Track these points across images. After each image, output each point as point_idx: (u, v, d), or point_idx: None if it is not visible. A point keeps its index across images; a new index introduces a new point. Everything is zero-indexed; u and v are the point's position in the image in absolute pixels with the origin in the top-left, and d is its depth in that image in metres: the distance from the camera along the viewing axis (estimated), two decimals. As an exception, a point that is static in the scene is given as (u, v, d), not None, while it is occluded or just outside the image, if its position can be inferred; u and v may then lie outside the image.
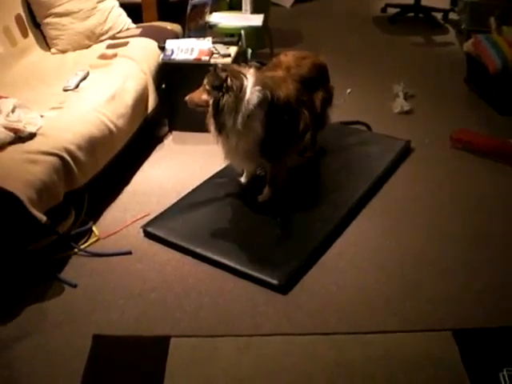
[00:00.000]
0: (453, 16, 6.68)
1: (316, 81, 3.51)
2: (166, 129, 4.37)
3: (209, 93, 3.09)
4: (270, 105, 3.13)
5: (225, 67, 3.11)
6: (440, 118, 4.55)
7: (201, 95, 3.15)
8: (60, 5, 4.27)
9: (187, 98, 3.20)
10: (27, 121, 3.12)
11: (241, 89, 3.04)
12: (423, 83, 5.08)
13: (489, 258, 3.11)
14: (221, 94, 3.02)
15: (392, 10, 6.94)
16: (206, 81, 3.12)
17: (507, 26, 5.01)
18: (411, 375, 2.47)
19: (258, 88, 3.09)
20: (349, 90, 4.89)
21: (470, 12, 5.65)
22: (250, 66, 3.24)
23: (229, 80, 3.01)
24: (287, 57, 3.50)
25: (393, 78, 5.05)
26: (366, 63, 5.58)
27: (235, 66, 3.20)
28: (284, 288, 2.88)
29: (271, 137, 3.19)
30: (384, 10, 7.08)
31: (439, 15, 6.82)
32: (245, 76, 3.09)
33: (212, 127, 3.17)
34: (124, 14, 4.69)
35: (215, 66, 3.09)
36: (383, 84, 5.03)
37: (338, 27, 6.59)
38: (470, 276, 2.98)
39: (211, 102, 3.08)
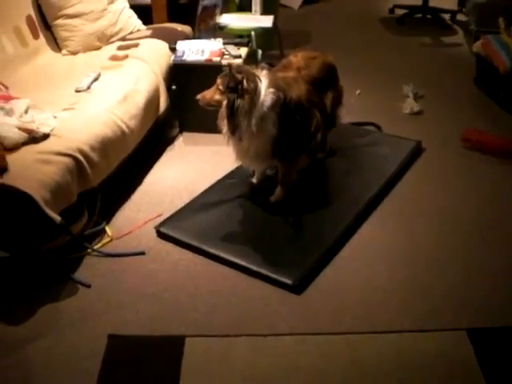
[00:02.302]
0: (461, 17, 6.68)
1: (326, 81, 3.52)
2: (177, 130, 4.38)
3: (222, 93, 3.10)
4: (282, 106, 3.14)
5: (240, 69, 3.11)
6: (450, 118, 4.54)
7: (213, 95, 3.15)
8: (70, 6, 4.29)
9: (199, 96, 3.21)
10: (40, 121, 3.12)
11: (255, 91, 3.05)
12: (432, 84, 5.08)
13: (502, 256, 3.10)
14: (236, 95, 3.03)
15: (400, 11, 6.94)
16: (219, 81, 3.12)
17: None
18: (425, 374, 2.46)
19: (271, 90, 3.11)
20: (358, 91, 4.90)
21: (479, 13, 5.64)
22: (263, 68, 3.25)
23: (244, 82, 3.02)
24: (297, 57, 3.51)
25: (402, 79, 5.05)
26: (375, 64, 5.59)
27: (249, 68, 3.20)
28: (298, 288, 2.88)
29: (283, 137, 3.20)
30: (392, 10, 7.09)
31: (447, 16, 6.82)
32: (259, 78, 3.09)
33: (224, 128, 3.18)
34: (134, 15, 4.71)
35: (230, 66, 3.09)
36: (392, 85, 5.03)
37: (346, 28, 6.60)
38: (483, 275, 2.98)
39: (225, 103, 3.08)
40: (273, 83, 3.14)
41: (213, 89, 3.16)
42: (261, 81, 3.10)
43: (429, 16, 6.87)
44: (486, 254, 3.13)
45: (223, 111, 3.13)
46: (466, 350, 2.55)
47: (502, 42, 4.68)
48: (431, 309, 2.78)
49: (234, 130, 3.11)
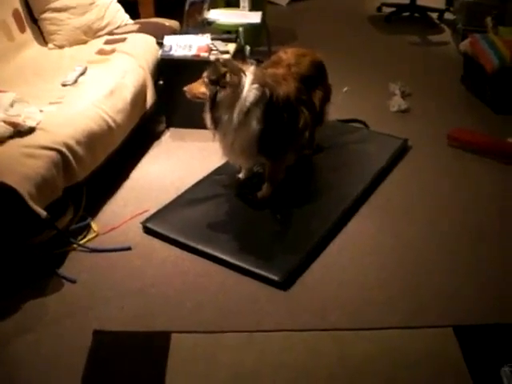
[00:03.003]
0: (448, 16, 6.69)
1: (315, 78, 3.52)
2: (164, 125, 4.36)
3: (207, 86, 3.09)
4: (268, 103, 3.13)
5: (226, 62, 3.11)
6: (437, 116, 4.56)
7: (200, 87, 3.15)
8: (57, 0, 4.24)
9: (186, 88, 3.21)
10: (26, 115, 3.10)
11: (238, 85, 3.04)
12: (420, 82, 5.09)
13: (488, 254, 3.12)
14: (218, 88, 3.03)
15: (388, 9, 6.94)
16: (205, 74, 3.12)
17: (503, 26, 5.02)
18: (412, 371, 2.47)
19: (255, 86, 3.10)
20: (346, 88, 4.90)
21: (467, 12, 5.65)
22: (252, 64, 3.24)
23: (227, 75, 3.01)
24: (287, 54, 3.50)
25: (389, 77, 5.05)
26: (363, 62, 5.59)
27: (236, 63, 3.19)
28: (285, 284, 2.88)
29: (270, 135, 3.19)
30: (380, 9, 7.09)
31: (435, 15, 6.83)
32: (244, 73, 3.09)
33: (208, 121, 3.18)
34: (122, 9, 4.68)
35: (217, 60, 3.08)
36: (380, 82, 5.02)
37: (334, 26, 6.59)
38: (470, 273, 2.99)
39: (208, 95, 3.08)
40: (258, 79, 3.13)
41: (200, 81, 3.16)
42: (246, 76, 3.09)
43: (416, 14, 6.88)
44: (472, 251, 3.15)
45: (207, 104, 3.13)
46: (453, 346, 2.56)
47: (490, 41, 4.69)
48: (418, 306, 2.79)
49: (215, 123, 3.11)
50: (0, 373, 2.45)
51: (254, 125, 3.13)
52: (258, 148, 3.23)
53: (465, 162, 3.96)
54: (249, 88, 3.08)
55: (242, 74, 3.08)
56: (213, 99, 3.06)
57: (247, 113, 3.10)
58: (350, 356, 2.54)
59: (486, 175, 3.81)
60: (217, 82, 3.04)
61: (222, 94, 3.04)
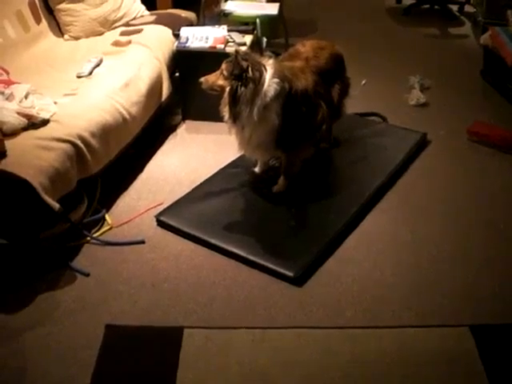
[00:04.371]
0: (468, 8, 6.60)
1: (334, 72, 3.47)
2: (179, 118, 4.33)
3: (225, 79, 3.06)
4: (287, 97, 3.10)
5: (246, 56, 3.05)
6: (456, 110, 4.49)
7: (217, 79, 3.11)
8: (74, -9, 4.23)
9: (203, 79, 3.17)
10: (40, 107, 3.09)
11: (260, 80, 3.00)
12: (439, 75, 5.01)
13: (507, 252, 3.06)
14: (239, 83, 2.98)
15: (407, 1, 6.86)
16: (224, 66, 3.08)
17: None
18: (427, 370, 2.43)
19: (275, 80, 3.06)
20: (364, 81, 4.84)
21: (487, 4, 5.58)
22: (270, 57, 3.21)
23: (249, 70, 2.97)
24: (305, 47, 3.45)
25: (408, 70, 4.98)
26: (381, 54, 5.52)
27: (255, 56, 3.15)
28: (299, 280, 2.85)
29: (287, 129, 3.16)
30: (399, 1, 7.00)
31: (455, 7, 6.74)
32: (264, 67, 3.05)
33: (226, 115, 3.14)
34: (138, 0, 4.66)
35: (236, 52, 3.03)
36: (398, 75, 4.96)
37: (352, 17, 6.51)
38: (487, 270, 2.94)
39: (228, 90, 3.04)
40: (278, 73, 3.09)
41: (217, 73, 3.12)
42: (266, 70, 3.05)
43: (436, 7, 6.79)
44: (490, 249, 3.09)
45: (226, 98, 3.09)
46: (469, 346, 2.52)
47: (511, 35, 4.61)
48: (434, 304, 2.74)
49: (235, 117, 3.07)
50: (11, 365, 2.45)
51: (273, 119, 3.10)
52: (276, 142, 3.20)
53: (484, 157, 3.89)
54: (269, 82, 3.05)
55: (263, 69, 3.04)
56: (233, 94, 3.02)
57: (266, 107, 3.06)
58: (364, 354, 2.50)
59: (506, 171, 3.75)
60: (239, 77, 2.99)
61: (242, 89, 3.00)
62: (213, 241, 3.06)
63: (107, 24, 4.38)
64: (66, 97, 3.34)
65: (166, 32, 4.29)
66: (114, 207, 3.38)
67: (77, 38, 4.26)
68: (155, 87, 3.86)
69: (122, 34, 4.25)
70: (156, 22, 4.42)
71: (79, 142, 3.03)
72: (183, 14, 4.67)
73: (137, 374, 2.43)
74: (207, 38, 4.10)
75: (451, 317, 2.67)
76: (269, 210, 3.32)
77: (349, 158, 3.79)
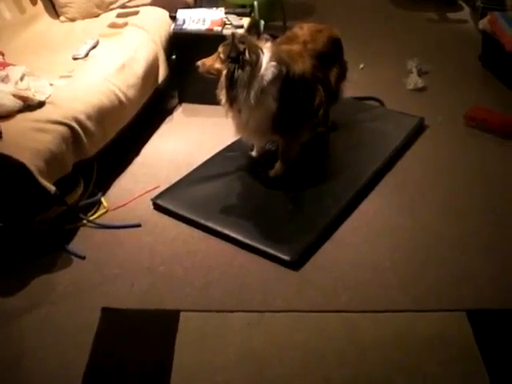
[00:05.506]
0: (467, -7, 6.57)
1: (331, 56, 3.45)
2: (176, 101, 4.31)
3: (222, 62, 3.03)
4: (284, 81, 3.07)
5: (243, 39, 3.03)
6: (454, 95, 4.46)
7: (213, 63, 3.10)
8: (69, -28, 4.19)
9: (199, 62, 3.15)
10: (36, 89, 3.07)
11: (257, 63, 2.98)
12: (437, 60, 4.99)
13: (505, 238, 3.06)
14: (236, 66, 2.96)
15: (406, -15, 6.82)
16: (221, 49, 3.06)
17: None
18: (424, 355, 2.43)
19: (273, 63, 3.03)
20: (362, 65, 4.82)
21: (486, -11, 5.55)
22: (267, 40, 3.17)
23: (246, 53, 2.94)
24: (303, 30, 3.42)
25: (406, 54, 4.95)
26: (379, 38, 5.48)
27: (253, 39, 3.13)
28: (296, 264, 2.84)
29: (285, 113, 3.14)
30: (398, -16, 6.96)
31: (453, -9, 6.70)
32: (261, 50, 3.02)
33: (223, 99, 3.12)
34: (135, -18, 4.61)
35: (233, 35, 3.01)
36: (396, 59, 4.93)
37: (350, 1, 6.47)
38: (485, 256, 2.94)
39: (225, 72, 3.02)
40: (276, 56, 3.06)
41: (214, 57, 3.10)
42: (263, 53, 3.03)
43: (435, -9, 6.75)
44: (488, 234, 3.08)
45: (222, 81, 3.06)
46: (465, 331, 2.52)
47: (509, 20, 4.59)
48: (431, 289, 2.74)
49: (232, 101, 3.05)
50: (8, 349, 2.45)
51: (270, 103, 3.08)
52: (273, 126, 3.18)
53: (482, 142, 3.88)
54: (266, 66, 3.02)
55: (260, 52, 3.02)
56: (230, 77, 3.00)
57: (264, 91, 3.04)
58: (360, 338, 2.50)
59: (503, 155, 3.73)
60: (236, 60, 2.97)
61: (239, 72, 2.97)
62: (209, 224, 3.05)
63: (103, 6, 4.34)
64: (61, 79, 3.31)
65: (162, 14, 4.26)
66: (110, 190, 3.36)
67: (73, 20, 4.23)
68: (152, 70, 3.84)
69: (119, 15, 4.22)
70: (153, 3, 4.37)
71: (75, 125, 3.01)
72: (180, -5, 4.63)
73: (133, 358, 2.43)
74: (204, 21, 4.07)
75: (448, 302, 2.67)
76: (266, 194, 3.31)
77: (346, 142, 3.77)
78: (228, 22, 4.12)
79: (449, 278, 2.80)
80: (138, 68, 3.66)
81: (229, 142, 3.69)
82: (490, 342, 2.48)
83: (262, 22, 4.69)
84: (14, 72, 3.12)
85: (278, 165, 3.40)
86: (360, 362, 2.41)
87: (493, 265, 2.88)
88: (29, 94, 2.99)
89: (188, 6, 4.44)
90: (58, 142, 2.89)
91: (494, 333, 2.53)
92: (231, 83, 3.00)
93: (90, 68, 3.46)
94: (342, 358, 2.42)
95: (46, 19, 4.16)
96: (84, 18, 4.26)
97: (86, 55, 3.61)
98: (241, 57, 2.95)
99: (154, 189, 3.35)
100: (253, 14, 4.45)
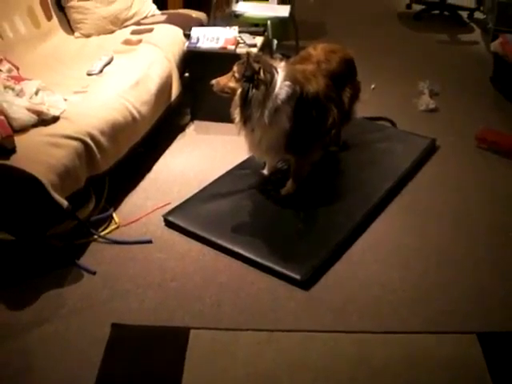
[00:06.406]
0: (478, 15, 6.59)
1: (345, 76, 3.46)
2: (188, 118, 4.33)
3: (237, 81, 3.04)
4: (298, 100, 3.08)
5: (257, 58, 3.04)
6: (465, 116, 4.48)
7: (228, 81, 3.11)
8: (85, -12, 4.23)
9: (214, 81, 3.16)
10: (51, 104, 3.09)
11: (271, 83, 2.99)
12: (448, 81, 5.01)
13: (516, 260, 3.05)
14: (251, 85, 2.97)
15: (417, 7, 6.86)
16: (236, 68, 3.07)
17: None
18: (434, 377, 2.42)
19: (287, 83, 3.04)
20: (373, 86, 4.84)
21: (498, 12, 5.57)
22: (281, 59, 3.19)
23: (261, 72, 2.96)
24: (316, 50, 3.44)
25: (417, 75, 4.97)
26: (391, 59, 5.51)
27: (267, 58, 3.14)
28: (306, 283, 2.83)
29: (298, 132, 3.15)
30: (409, 6, 7.01)
31: (465, 13, 6.73)
32: (276, 69, 3.03)
33: (237, 118, 3.13)
34: (149, 0, 4.64)
35: (248, 54, 3.02)
36: (408, 81, 4.96)
37: (363, 21, 6.52)
38: (496, 278, 2.92)
39: (239, 92, 3.03)
40: (290, 76, 3.08)
41: (228, 75, 3.11)
42: (278, 72, 3.04)
43: (446, 13, 6.79)
44: (500, 256, 3.07)
45: (236, 100, 3.07)
46: (476, 354, 2.50)
47: (522, 42, 4.61)
48: (442, 310, 2.73)
49: (246, 120, 3.05)
50: (17, 363, 2.44)
51: (284, 122, 3.09)
52: (286, 145, 3.19)
53: (493, 164, 3.88)
54: (280, 85, 3.03)
55: (275, 71, 3.03)
56: (244, 96, 3.01)
57: (278, 110, 3.05)
58: (371, 359, 2.49)
59: (515, 178, 3.74)
60: (250, 79, 2.98)
61: (254, 92, 2.98)
62: (220, 242, 3.05)
63: (118, 22, 4.38)
64: (76, 94, 3.33)
65: (176, 32, 4.29)
66: (121, 206, 3.37)
67: (87, 36, 4.26)
68: (165, 87, 3.86)
69: (133, 32, 4.25)
70: (167, 21, 4.41)
71: (89, 140, 3.02)
72: (194, 14, 4.67)
73: (142, 374, 2.42)
74: (218, 39, 4.10)
75: (459, 324, 2.65)
76: (277, 212, 3.31)
77: (357, 162, 3.78)
78: (241, 41, 4.15)
79: (459, 299, 2.79)
80: (152, 85, 3.68)
81: (240, 160, 3.70)
82: (501, 364, 2.46)
83: (275, 41, 4.72)
84: (29, 86, 3.14)
85: (289, 183, 3.41)
86: (370, 382, 2.39)
87: (504, 286, 2.87)
88: (43, 108, 3.00)
89: (202, 25, 4.48)
90: (72, 157, 2.90)
91: (504, 355, 2.51)
92: (245, 102, 3.00)
93: (104, 84, 3.48)
94: (352, 378, 2.41)
95: (60, 34, 4.19)
96: (98, 34, 4.29)
97: (101, 71, 3.63)
98: (255, 76, 2.96)
99: (165, 205, 3.35)
100: (266, 33, 4.48)
